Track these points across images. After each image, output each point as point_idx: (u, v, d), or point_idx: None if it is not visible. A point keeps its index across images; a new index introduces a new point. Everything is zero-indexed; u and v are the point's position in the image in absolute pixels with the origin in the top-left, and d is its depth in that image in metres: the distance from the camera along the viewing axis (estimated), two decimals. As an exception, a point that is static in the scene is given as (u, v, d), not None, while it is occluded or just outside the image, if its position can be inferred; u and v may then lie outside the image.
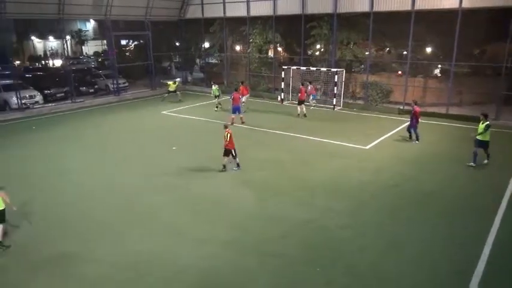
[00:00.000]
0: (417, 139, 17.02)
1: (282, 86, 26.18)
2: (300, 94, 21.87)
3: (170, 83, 27.69)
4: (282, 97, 26.40)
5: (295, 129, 19.40)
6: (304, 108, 21.92)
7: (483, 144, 13.78)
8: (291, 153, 15.92)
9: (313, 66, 26.24)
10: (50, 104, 25.75)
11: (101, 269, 8.43)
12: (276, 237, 9.60)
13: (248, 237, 9.66)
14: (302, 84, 22.79)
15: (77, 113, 24.49)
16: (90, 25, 58.90)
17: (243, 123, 20.24)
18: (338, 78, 23.97)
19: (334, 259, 8.73)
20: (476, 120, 20.08)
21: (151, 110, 24.80)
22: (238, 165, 13.90)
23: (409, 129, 17.20)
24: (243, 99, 23.80)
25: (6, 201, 9.58)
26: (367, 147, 16.59)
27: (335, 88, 24.09)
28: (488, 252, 8.81)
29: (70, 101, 26.64)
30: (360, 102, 24.92)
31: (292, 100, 26.59)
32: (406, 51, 23.52)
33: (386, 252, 8.96)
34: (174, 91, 27.19)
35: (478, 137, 13.72)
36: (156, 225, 10.29)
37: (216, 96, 24.09)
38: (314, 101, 25.01)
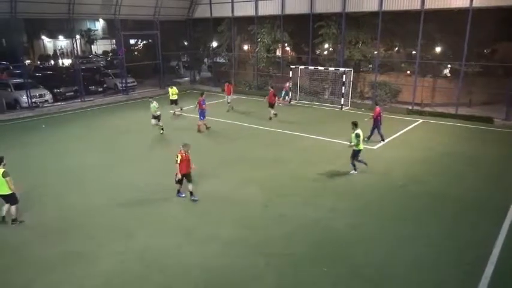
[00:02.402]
0: (382, 139, 17.02)
1: (290, 85, 26.13)
2: (268, 98, 21.36)
3: (170, 90, 22.99)
4: (290, 96, 26.35)
5: (302, 128, 19.36)
6: (272, 111, 21.36)
7: (355, 153, 13.19)
8: (298, 152, 15.88)
9: (321, 66, 26.18)
10: (59, 103, 26.05)
11: (107, 268, 8.48)
12: (281, 237, 9.59)
13: (254, 236, 9.65)
14: (272, 88, 22.27)
15: (86, 112, 24.69)
16: (100, 24, 59.49)
17: (207, 128, 19.30)
18: (346, 77, 23.85)
19: (340, 259, 8.70)
20: (486, 120, 20.06)
21: (160, 108, 24.83)
22: (191, 193, 11.61)
23: (378, 131, 16.87)
24: (228, 98, 23.65)
25: (11, 186, 10.05)
26: (375, 147, 16.49)
27: (343, 88, 23.97)
28: (497, 253, 8.71)
29: (79, 100, 26.91)
30: (368, 102, 24.78)
31: (300, 99, 26.57)
32: (415, 50, 23.34)
33: (393, 253, 8.90)
34: (176, 100, 22.84)
35: (354, 147, 13.14)
36: (162, 225, 10.33)
37: (155, 117, 18.75)
38: (281, 99, 25.19)
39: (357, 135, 12.92)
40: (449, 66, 25.64)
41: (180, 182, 11.55)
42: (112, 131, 19.89)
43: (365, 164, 13.51)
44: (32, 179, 13.47)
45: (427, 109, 22.73)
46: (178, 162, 11.10)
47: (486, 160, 14.79)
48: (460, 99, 21.77)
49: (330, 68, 25.23)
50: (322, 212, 10.85)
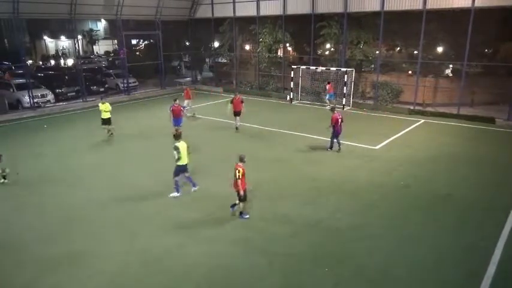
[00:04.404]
0: (339, 148, 15.80)
1: (291, 86, 26.13)
2: (233, 105, 18.82)
3: (100, 105, 18.18)
4: (291, 97, 26.36)
5: (303, 129, 19.36)
6: (238, 121, 19.14)
7: (182, 169, 11.61)
8: (300, 153, 15.88)
9: (322, 66, 26.17)
10: (61, 103, 26.10)
11: (111, 267, 8.51)
12: (284, 237, 9.60)
13: (257, 236, 9.67)
14: (238, 93, 19.85)
15: (88, 112, 24.71)
16: (101, 25, 59.53)
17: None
18: (347, 78, 23.84)
19: (342, 260, 8.70)
20: (488, 120, 20.02)
21: (161, 108, 24.87)
22: (241, 213, 10.61)
23: (336, 139, 15.73)
24: (186, 103, 21.86)
25: None
26: (377, 147, 16.48)
27: (344, 88, 23.97)
28: (499, 254, 8.71)
29: (81, 100, 26.94)
30: (370, 102, 24.77)
31: (301, 100, 26.58)
32: (417, 50, 23.31)
33: (396, 254, 8.90)
34: (109, 119, 18.15)
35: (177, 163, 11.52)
36: (165, 224, 10.34)
37: None
38: (328, 101, 24.69)
39: (175, 148, 11.32)
40: (451, 66, 25.63)
41: (245, 199, 10.38)
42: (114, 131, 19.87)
43: (193, 185, 12.00)
44: (34, 178, 13.52)
45: (428, 109, 22.70)
46: (241, 177, 10.03)
47: (488, 160, 14.77)
48: (462, 99, 21.73)
49: (332, 68, 25.24)
50: (324, 212, 10.85)
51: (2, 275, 8.35)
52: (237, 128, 19.14)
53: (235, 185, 10.17)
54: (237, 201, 10.41)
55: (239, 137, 18.37)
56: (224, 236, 9.66)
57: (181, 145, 11.46)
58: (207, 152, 16.16)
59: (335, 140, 15.76)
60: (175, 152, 11.32)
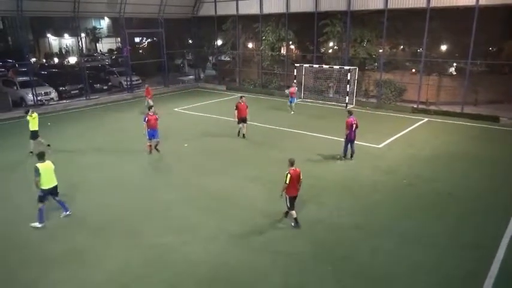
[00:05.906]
0: (351, 155, 14.76)
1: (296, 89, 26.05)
2: (238, 111, 17.18)
3: (28, 117, 15.53)
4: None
5: (306, 127, 19.33)
6: (245, 128, 17.53)
7: (48, 192, 9.99)
8: (302, 151, 15.82)
9: (325, 64, 26.12)
10: (64, 101, 26.17)
11: (114, 265, 8.54)
12: (287, 236, 9.60)
13: (259, 235, 9.67)
14: (242, 98, 17.72)
15: (91, 110, 24.80)
16: (105, 22, 59.67)
17: (157, 151, 15.69)
18: (351, 76, 23.78)
19: (345, 258, 8.69)
20: (492, 119, 19.90)
21: (164, 107, 24.92)
22: (296, 221, 9.96)
23: (350, 146, 14.63)
24: (150, 102, 20.75)
25: None
26: (380, 145, 16.44)
27: (348, 86, 23.90)
28: (502, 253, 8.67)
29: (84, 98, 27.01)
30: (373, 100, 24.70)
31: (304, 98, 26.51)
32: (421, 48, 23.21)
33: (398, 252, 8.88)
34: (36, 131, 15.78)
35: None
36: (167, 222, 10.36)
37: None
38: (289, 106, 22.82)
39: (35, 170, 9.69)
40: (454, 64, 25.50)
41: (292, 206, 9.95)
42: (117, 128, 19.95)
43: (65, 209, 10.52)
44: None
45: (432, 108, 22.61)
46: (288, 182, 9.57)
47: (492, 159, 14.70)
48: (465, 97, 21.62)
49: (335, 66, 25.18)
50: (326, 210, 10.85)
51: (9, 272, 8.39)
52: (244, 135, 17.54)
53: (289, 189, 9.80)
54: (293, 212, 9.96)
55: (240, 136, 18.30)
56: (226, 234, 9.66)
57: (44, 166, 9.82)
58: (209, 151, 16.16)
59: (348, 147, 14.64)
60: (35, 173, 9.68)
